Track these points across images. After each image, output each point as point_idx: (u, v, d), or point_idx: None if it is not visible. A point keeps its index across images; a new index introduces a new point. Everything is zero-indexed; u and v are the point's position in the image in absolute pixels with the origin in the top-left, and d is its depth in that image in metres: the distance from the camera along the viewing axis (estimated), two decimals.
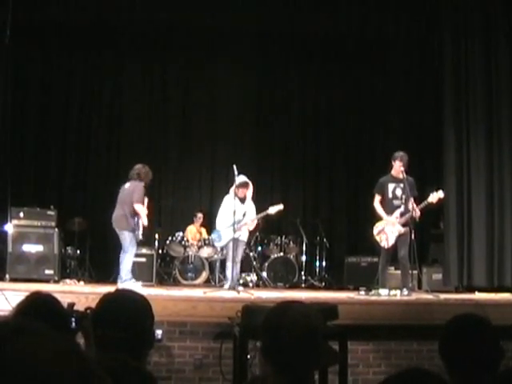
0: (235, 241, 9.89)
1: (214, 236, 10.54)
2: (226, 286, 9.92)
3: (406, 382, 1.67)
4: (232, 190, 10.21)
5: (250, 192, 10.22)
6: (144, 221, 9.69)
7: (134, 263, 10.10)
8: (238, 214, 9.93)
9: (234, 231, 9.76)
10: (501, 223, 10.63)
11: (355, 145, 14.24)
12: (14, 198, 11.49)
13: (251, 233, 10.86)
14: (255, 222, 10.36)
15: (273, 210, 10.32)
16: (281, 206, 10.38)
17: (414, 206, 9.46)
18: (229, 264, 10.11)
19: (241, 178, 10.11)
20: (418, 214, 9.45)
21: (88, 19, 12.59)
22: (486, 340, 2.90)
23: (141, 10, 12.17)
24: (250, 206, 10.25)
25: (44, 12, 12.24)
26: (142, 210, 9.69)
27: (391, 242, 9.62)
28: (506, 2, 10.91)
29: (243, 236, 10.23)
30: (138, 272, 10.01)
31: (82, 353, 1.13)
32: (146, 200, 9.78)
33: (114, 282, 10.10)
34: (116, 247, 10.00)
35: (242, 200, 10.13)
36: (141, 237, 9.79)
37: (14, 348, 1.04)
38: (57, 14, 12.29)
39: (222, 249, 11.19)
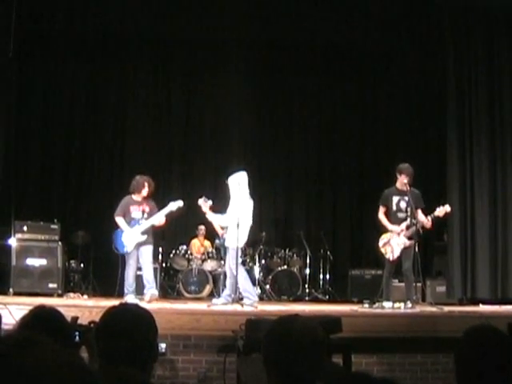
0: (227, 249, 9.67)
1: None
2: (217, 300, 9.63)
3: None
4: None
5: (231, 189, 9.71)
6: (124, 232, 9.83)
7: (138, 276, 10.06)
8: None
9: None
10: (504, 235, 10.64)
11: (359, 157, 14.24)
12: (18, 211, 11.51)
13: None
14: (249, 221, 9.72)
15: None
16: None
17: (423, 216, 9.47)
18: (227, 277, 9.85)
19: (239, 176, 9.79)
20: (429, 224, 9.44)
21: (93, 31, 12.69)
22: (504, 351, 2.88)
23: (145, 22, 12.28)
24: (244, 205, 9.66)
25: (49, 23, 12.33)
26: (119, 220, 9.92)
27: (396, 254, 9.61)
28: (508, 9, 10.96)
29: (230, 242, 9.57)
30: (142, 285, 9.98)
31: (86, 366, 1.14)
32: (138, 209, 9.97)
33: (118, 295, 10.13)
34: (119, 261, 10.01)
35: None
36: (119, 249, 9.82)
37: (18, 361, 1.05)
38: (62, 26, 12.38)
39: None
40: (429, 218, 9.44)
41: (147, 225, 9.88)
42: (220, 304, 9.35)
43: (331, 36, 12.89)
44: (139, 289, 10.00)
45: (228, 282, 9.70)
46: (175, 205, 9.96)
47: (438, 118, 12.34)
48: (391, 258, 9.66)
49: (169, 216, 10.06)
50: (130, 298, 9.43)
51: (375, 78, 14.06)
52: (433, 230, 9.78)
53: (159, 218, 9.93)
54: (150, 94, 14.03)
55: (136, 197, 10.01)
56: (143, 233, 9.85)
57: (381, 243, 9.79)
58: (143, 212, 9.97)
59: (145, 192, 9.99)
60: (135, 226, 9.84)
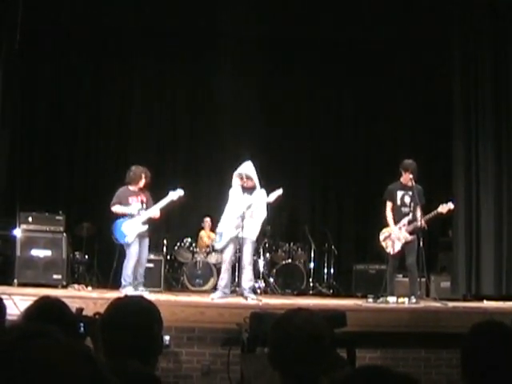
0: (238, 240, 9.48)
1: (216, 237, 9.96)
2: (214, 295, 9.45)
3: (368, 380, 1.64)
4: (235, 181, 9.70)
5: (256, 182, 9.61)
6: (125, 220, 9.71)
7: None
8: (241, 206, 9.45)
9: (241, 227, 9.31)
10: (509, 231, 10.62)
11: (364, 152, 14.24)
12: (23, 202, 11.53)
13: None
14: (264, 213, 9.66)
15: (272, 197, 9.54)
16: (280, 191, 9.54)
17: (421, 214, 9.47)
18: (223, 269, 9.66)
19: (245, 168, 9.63)
20: (423, 223, 9.42)
21: (97, 28, 12.75)
22: (511, 347, 2.86)
23: (149, 17, 12.31)
24: (258, 196, 9.54)
25: (54, 19, 12.36)
26: (117, 209, 9.81)
27: (397, 248, 9.63)
28: None
29: (249, 233, 9.46)
30: (146, 277, 9.97)
31: (93, 356, 1.13)
32: (133, 200, 9.84)
33: (113, 286, 10.23)
34: (124, 253, 10.00)
35: (249, 191, 9.60)
36: (119, 240, 9.74)
37: (26, 352, 1.04)
38: (67, 21, 12.43)
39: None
40: (423, 219, 9.42)
41: (148, 215, 9.78)
42: (217, 298, 9.23)
43: (335, 32, 12.92)
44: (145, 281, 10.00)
45: (226, 274, 9.60)
46: (175, 194, 9.81)
47: (444, 116, 12.31)
48: (392, 252, 9.69)
49: (170, 206, 9.95)
50: (130, 291, 9.35)
51: (381, 75, 14.00)
52: (428, 228, 9.74)
53: (158, 209, 9.82)
54: (155, 88, 14.05)
55: (133, 187, 9.90)
56: (144, 223, 9.74)
57: (381, 237, 9.80)
58: (142, 202, 9.86)
59: (142, 183, 9.89)
60: (135, 217, 9.73)
